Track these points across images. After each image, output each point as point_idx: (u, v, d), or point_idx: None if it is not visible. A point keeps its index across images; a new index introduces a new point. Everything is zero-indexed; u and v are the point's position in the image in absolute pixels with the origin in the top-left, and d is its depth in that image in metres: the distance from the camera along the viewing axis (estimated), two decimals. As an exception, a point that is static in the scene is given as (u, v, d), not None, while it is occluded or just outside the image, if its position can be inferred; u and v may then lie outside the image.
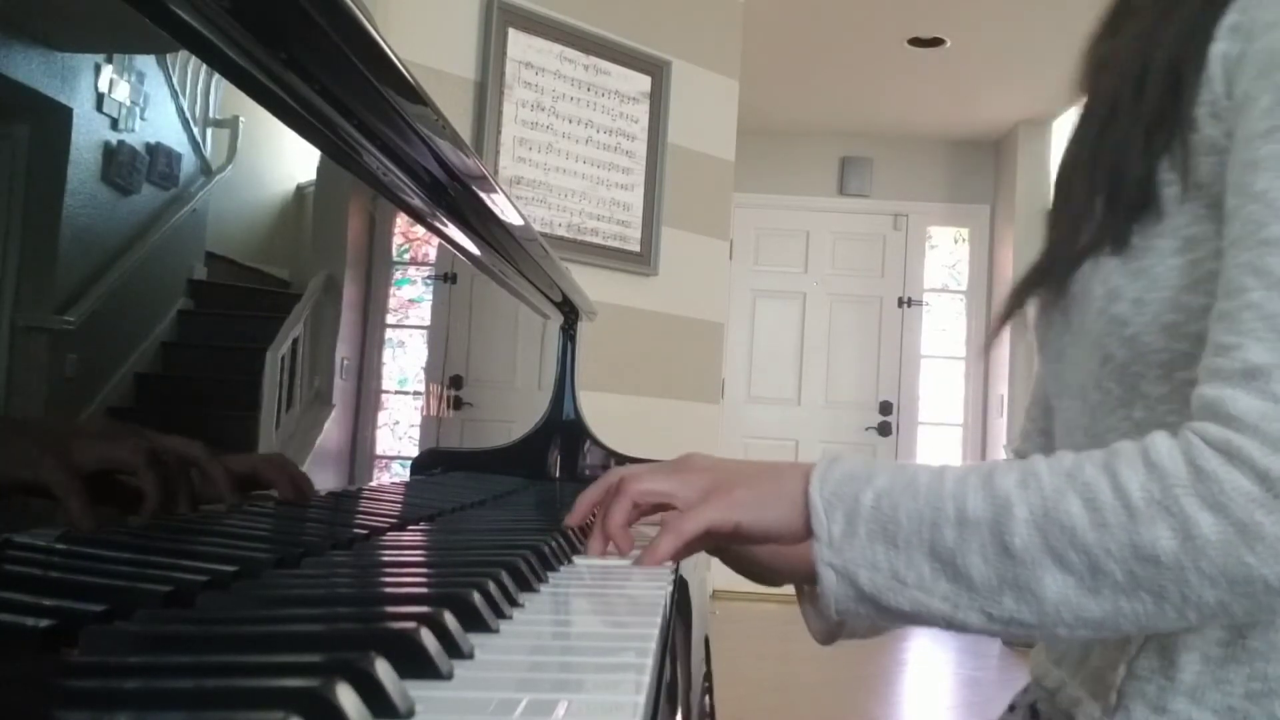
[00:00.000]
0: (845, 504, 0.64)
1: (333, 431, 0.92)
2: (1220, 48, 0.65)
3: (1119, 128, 0.70)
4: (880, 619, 0.65)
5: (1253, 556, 0.55)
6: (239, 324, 0.80)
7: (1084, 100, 0.82)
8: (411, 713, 0.33)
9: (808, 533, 0.66)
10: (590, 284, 2.05)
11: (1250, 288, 0.59)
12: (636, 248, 3.66)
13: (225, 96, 0.69)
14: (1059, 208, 0.79)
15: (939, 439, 6.18)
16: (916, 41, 4.87)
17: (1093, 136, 0.74)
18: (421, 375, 1.14)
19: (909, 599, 0.63)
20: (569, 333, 1.72)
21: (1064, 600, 0.59)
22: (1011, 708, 0.85)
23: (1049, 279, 0.76)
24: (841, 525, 0.64)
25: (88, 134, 0.56)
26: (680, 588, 0.69)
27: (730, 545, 0.77)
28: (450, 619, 0.42)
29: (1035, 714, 0.81)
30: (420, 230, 1.10)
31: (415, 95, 0.81)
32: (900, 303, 6.20)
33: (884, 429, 6.13)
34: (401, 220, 1.05)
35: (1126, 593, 0.58)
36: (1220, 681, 0.65)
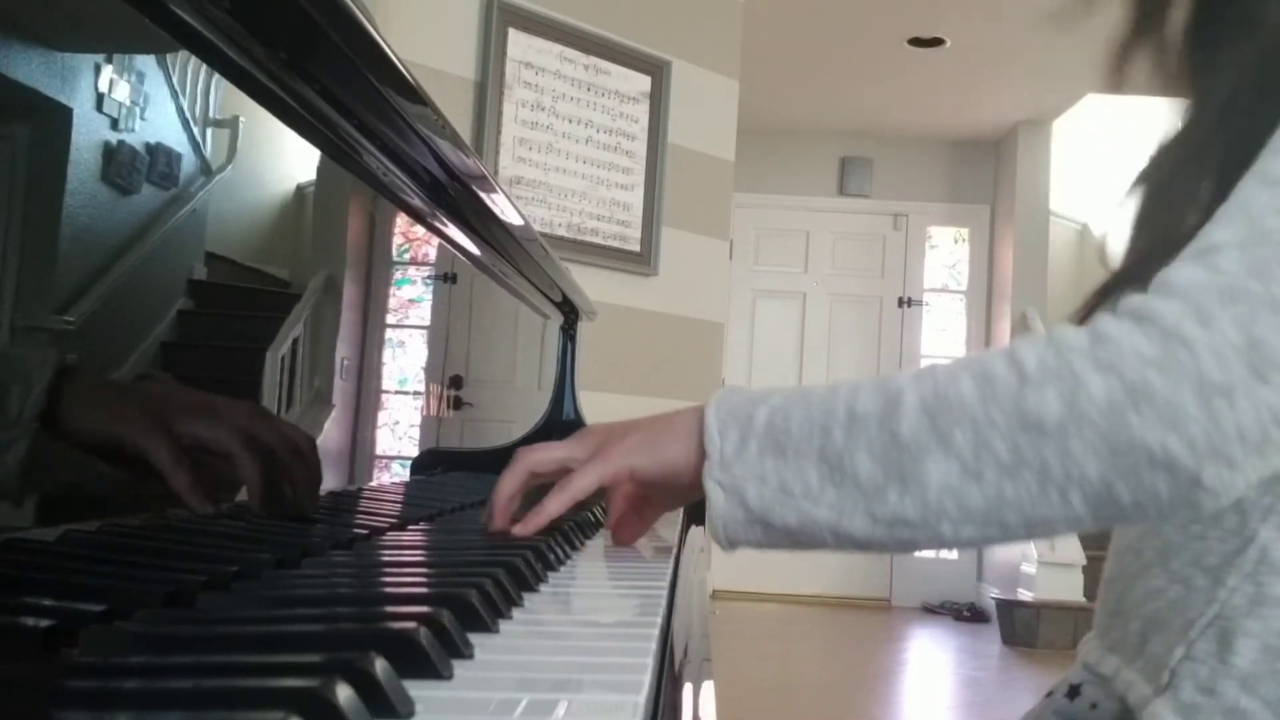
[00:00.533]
0: (739, 421, 0.64)
1: (333, 431, 0.92)
2: None
3: (1182, 172, 0.70)
4: (768, 544, 0.64)
5: (1137, 417, 0.54)
6: (239, 324, 0.80)
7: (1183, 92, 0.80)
8: (411, 713, 0.33)
9: (700, 460, 0.65)
10: (590, 284, 2.05)
11: (1246, 188, 0.59)
12: (636, 248, 3.66)
13: (225, 96, 0.69)
14: (1158, 197, 0.77)
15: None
16: (916, 41, 4.87)
17: (1206, 130, 0.72)
18: (421, 375, 1.14)
19: (795, 510, 0.61)
20: (569, 333, 1.72)
21: (946, 487, 0.58)
22: (1050, 693, 0.85)
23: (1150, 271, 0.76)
24: (735, 442, 0.63)
25: (88, 134, 0.56)
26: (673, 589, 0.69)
27: (641, 498, 0.77)
28: (450, 619, 0.42)
29: (1076, 693, 0.81)
30: (420, 230, 1.10)
31: (415, 95, 0.81)
32: (900, 303, 6.21)
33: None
34: (401, 220, 1.05)
35: (1010, 473, 0.56)
36: (1276, 673, 0.64)
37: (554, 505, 0.70)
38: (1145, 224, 0.78)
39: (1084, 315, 0.81)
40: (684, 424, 0.67)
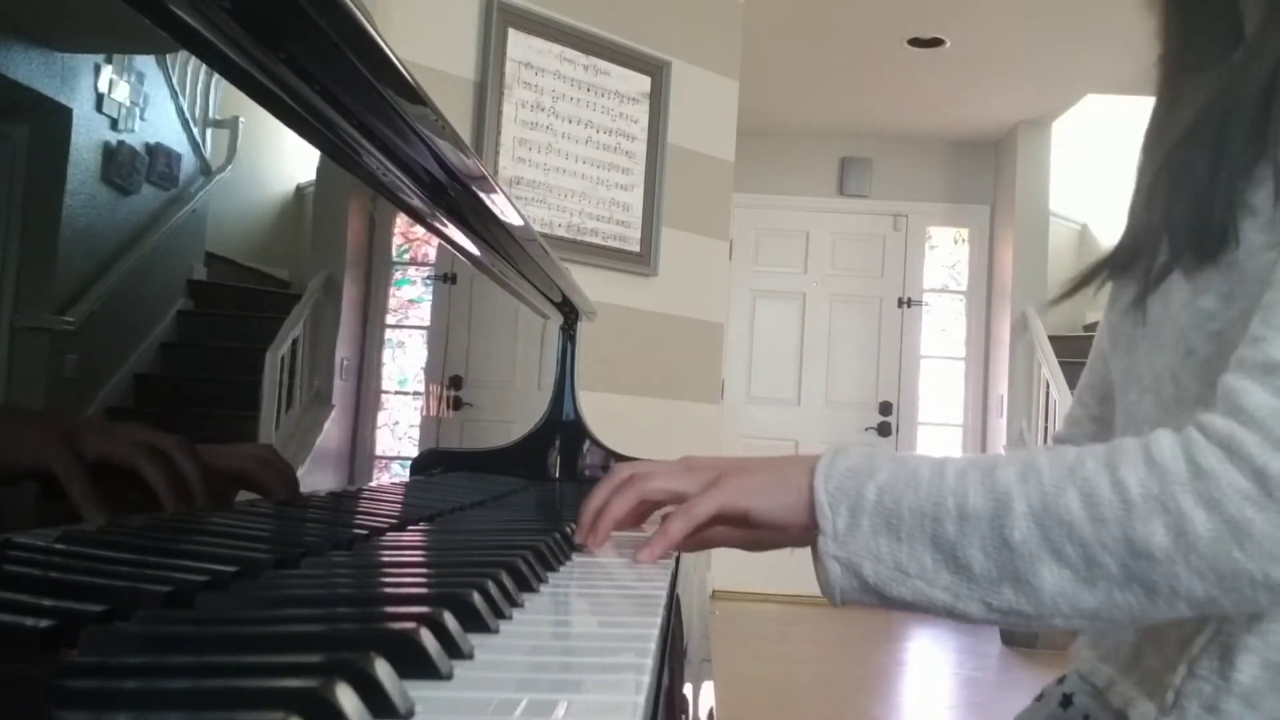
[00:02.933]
0: (849, 498, 0.66)
1: (332, 432, 0.92)
2: None
3: (1198, 161, 0.69)
4: (883, 607, 0.67)
5: (1241, 553, 0.56)
6: (239, 324, 0.80)
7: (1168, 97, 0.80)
8: (411, 713, 0.33)
9: (813, 523, 0.67)
10: (590, 284, 2.05)
11: None
12: (636, 248, 3.66)
13: (225, 96, 0.69)
14: (1142, 211, 0.78)
15: (939, 439, 6.18)
16: (916, 41, 4.87)
17: (1182, 150, 0.72)
18: (421, 375, 1.14)
19: (911, 589, 0.64)
20: (569, 333, 1.72)
21: (1060, 592, 0.61)
22: (1040, 696, 0.85)
23: (1128, 275, 0.76)
24: (846, 519, 0.66)
25: (88, 134, 0.56)
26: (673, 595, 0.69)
27: (731, 535, 0.78)
28: (450, 619, 0.42)
29: (1068, 703, 0.81)
30: (420, 230, 1.10)
31: (415, 95, 0.81)
32: (900, 303, 6.20)
33: (884, 429, 6.13)
34: (401, 220, 1.05)
35: (1120, 585, 0.59)
36: (1278, 689, 0.65)
37: (678, 531, 0.71)
38: (1144, 207, 0.78)
39: (1074, 287, 0.81)
40: (794, 481, 0.69)
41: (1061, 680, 0.85)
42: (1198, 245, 0.68)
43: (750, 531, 0.74)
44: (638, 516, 0.78)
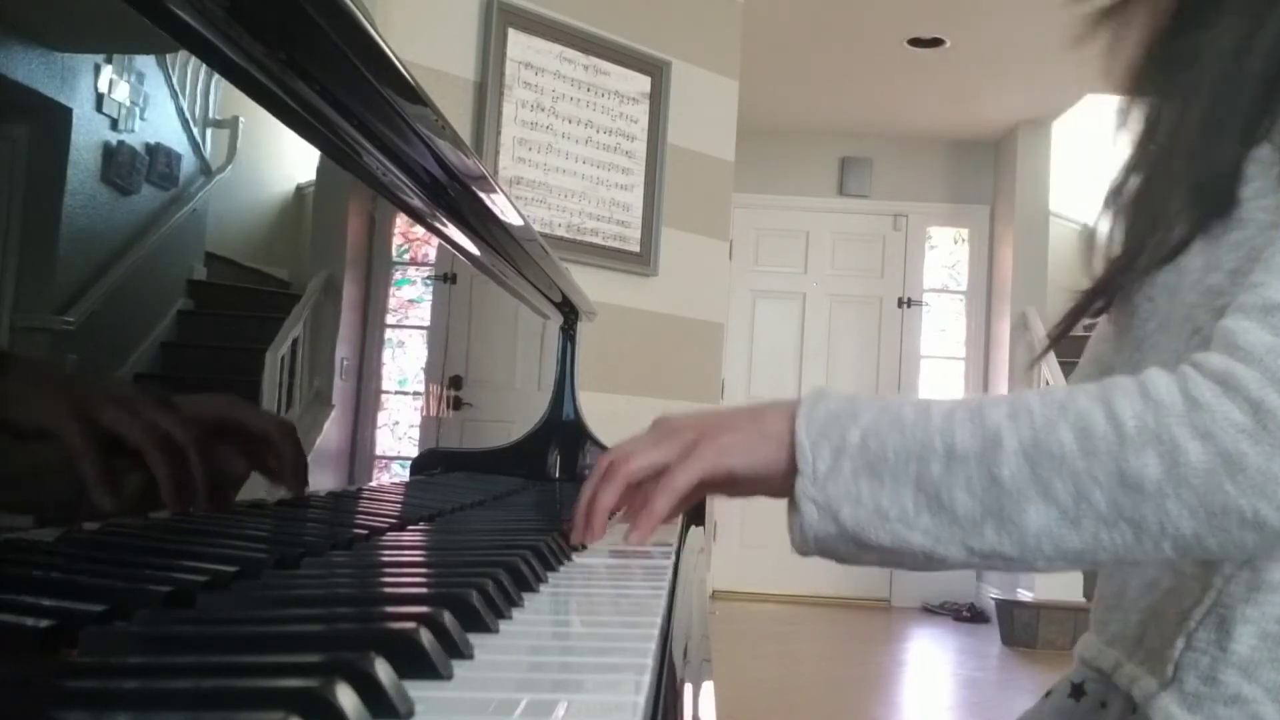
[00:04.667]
0: (831, 441, 0.65)
1: (332, 432, 0.92)
2: None
3: (1213, 120, 0.70)
4: (858, 555, 0.66)
5: (1233, 486, 0.56)
6: (239, 324, 0.80)
7: (1149, 96, 0.80)
8: (411, 713, 0.33)
9: (795, 471, 0.66)
10: (590, 284, 2.05)
11: None
12: (636, 248, 3.66)
13: (225, 97, 0.69)
14: (1139, 203, 0.78)
15: (939, 439, 6.17)
16: (916, 41, 4.87)
17: (1182, 129, 0.73)
18: (421, 375, 1.14)
19: (890, 533, 0.63)
20: (569, 333, 1.72)
21: (1045, 531, 0.60)
22: (1048, 694, 0.85)
23: (1131, 274, 0.76)
24: (827, 461, 0.64)
25: (88, 134, 0.56)
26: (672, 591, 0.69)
27: (721, 492, 0.76)
28: (450, 619, 0.42)
29: (1080, 692, 0.80)
30: (420, 230, 1.10)
31: (415, 95, 0.81)
32: (900, 303, 6.21)
33: (884, 429, 6.12)
34: (401, 220, 1.05)
35: (1107, 523, 0.59)
36: (1275, 659, 0.65)
37: (662, 505, 0.70)
38: (1126, 229, 0.79)
39: (1071, 320, 0.81)
40: (774, 429, 0.68)
41: (1068, 675, 0.84)
42: (1211, 200, 0.68)
43: (733, 487, 0.72)
44: (631, 499, 0.76)
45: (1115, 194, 0.81)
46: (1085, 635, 0.82)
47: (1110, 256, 0.79)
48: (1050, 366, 5.24)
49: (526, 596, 0.57)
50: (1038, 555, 0.61)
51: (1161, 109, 0.79)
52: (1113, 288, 0.79)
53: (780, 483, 0.68)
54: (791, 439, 0.66)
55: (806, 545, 0.66)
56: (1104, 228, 0.81)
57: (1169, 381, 0.59)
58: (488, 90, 3.29)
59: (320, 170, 0.85)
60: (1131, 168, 0.80)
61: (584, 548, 0.77)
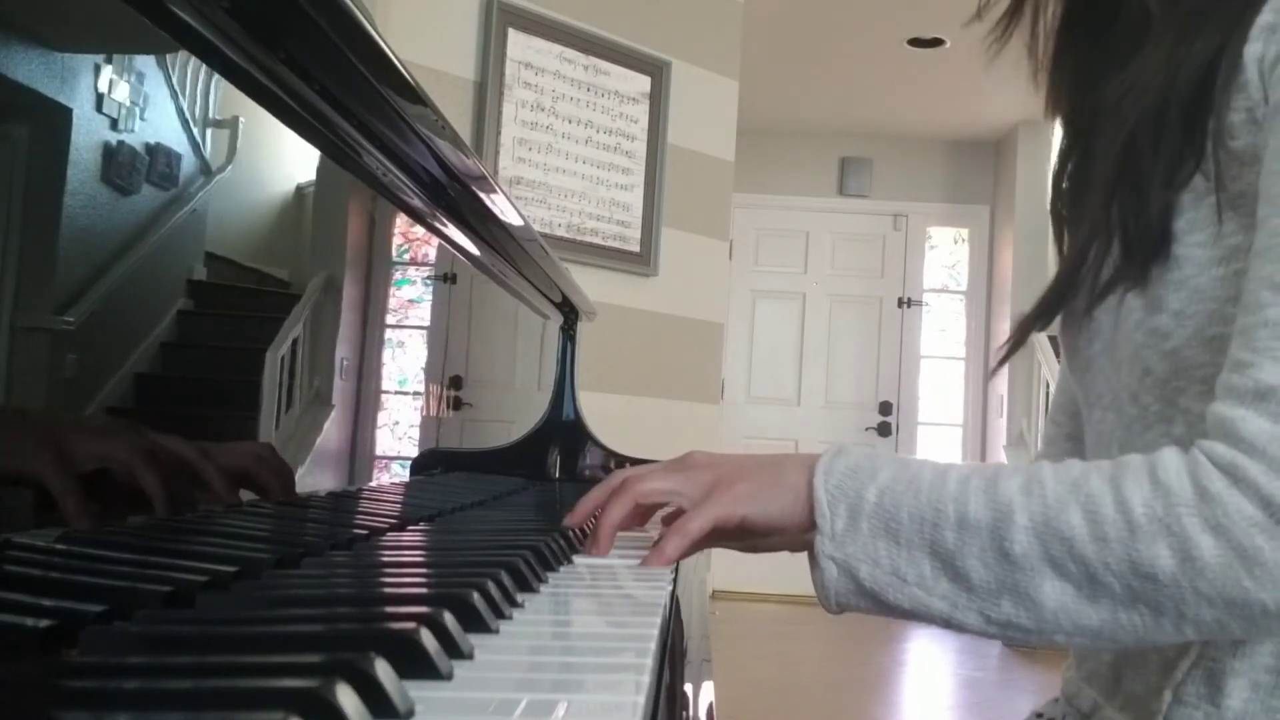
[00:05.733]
0: (849, 499, 0.64)
1: (332, 432, 0.92)
2: (1255, 49, 0.62)
3: (1141, 157, 0.68)
4: (879, 613, 0.65)
5: (1251, 581, 0.55)
6: (239, 324, 0.80)
7: (1074, 130, 0.80)
8: (411, 713, 0.33)
9: (811, 524, 0.66)
10: (590, 284, 2.05)
11: (1267, 303, 0.58)
12: (636, 248, 3.66)
13: (225, 96, 0.69)
14: (1073, 234, 0.77)
15: (939, 439, 6.18)
16: (916, 41, 4.88)
17: (1111, 165, 0.71)
18: (421, 375, 1.14)
19: (908, 596, 0.63)
20: (569, 333, 1.72)
21: (1062, 608, 0.59)
22: (1038, 715, 0.84)
23: (1068, 301, 0.75)
24: (844, 520, 0.64)
25: (88, 134, 0.56)
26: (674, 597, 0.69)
27: (733, 539, 0.75)
28: (450, 619, 0.42)
29: None
30: (420, 230, 1.10)
31: (415, 95, 0.81)
32: (900, 303, 6.21)
33: (884, 429, 6.13)
34: (401, 220, 1.05)
35: (1124, 605, 0.58)
36: (1269, 710, 0.64)
37: (674, 547, 0.69)
38: (1062, 248, 0.79)
39: (1024, 336, 0.81)
40: (792, 481, 0.67)
41: (1056, 701, 0.83)
42: (1141, 247, 0.67)
43: (747, 536, 0.72)
44: (638, 518, 0.77)
45: (1053, 210, 0.81)
46: (1069, 664, 0.81)
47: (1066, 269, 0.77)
48: (1050, 368, 5.24)
49: (526, 596, 0.57)
50: (1056, 629, 0.60)
51: (1086, 139, 0.77)
52: (1051, 313, 0.78)
53: (794, 537, 0.69)
54: (809, 493, 0.66)
55: (829, 603, 0.66)
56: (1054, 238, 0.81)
57: (1179, 467, 0.58)
58: (488, 90, 3.29)
59: (320, 170, 0.85)
60: (1062, 189, 0.80)
61: (582, 549, 0.77)
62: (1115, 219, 0.69)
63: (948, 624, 0.63)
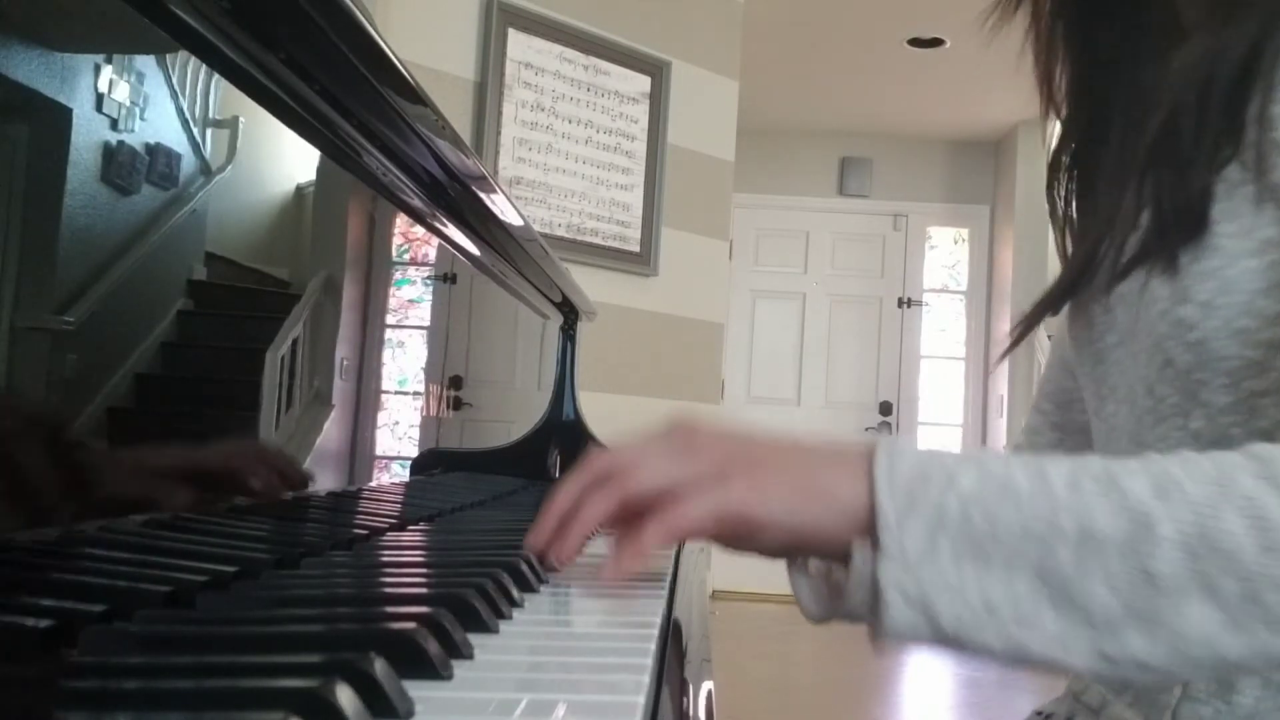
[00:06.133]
0: (925, 510, 0.52)
1: (332, 432, 0.92)
2: None
3: (1182, 137, 0.65)
4: (946, 650, 0.53)
5: None
6: (239, 324, 0.80)
7: (1083, 115, 0.78)
8: (411, 713, 0.33)
9: (862, 536, 0.53)
10: (590, 284, 2.05)
11: None
12: (636, 248, 3.66)
13: (225, 96, 0.69)
14: (1085, 217, 0.76)
15: (939, 439, 6.18)
16: (916, 42, 4.88)
17: (1146, 145, 0.67)
18: (421, 375, 1.14)
19: (1001, 634, 0.51)
20: (569, 333, 1.72)
21: (1204, 638, 0.49)
22: (1045, 715, 0.83)
23: (1083, 285, 0.72)
24: (920, 537, 0.51)
25: (87, 134, 0.56)
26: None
27: (730, 542, 0.59)
28: (450, 619, 0.42)
29: None
30: (420, 230, 1.10)
31: (415, 95, 0.81)
32: (900, 303, 6.21)
33: (884, 429, 6.13)
34: (401, 220, 1.05)
35: (1276, 630, 0.49)
36: None
37: (655, 538, 0.55)
38: (1075, 235, 0.77)
39: (1036, 320, 0.79)
40: (832, 484, 0.55)
41: (1061, 698, 0.82)
42: (1177, 226, 0.63)
43: (745, 540, 0.58)
44: (618, 524, 0.60)
45: (1065, 196, 0.78)
46: None
47: (1062, 263, 0.76)
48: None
49: (526, 596, 0.57)
50: (1188, 665, 0.50)
51: (1108, 123, 0.75)
52: (1064, 298, 0.75)
53: (833, 549, 0.55)
54: (870, 501, 0.53)
55: (885, 639, 0.53)
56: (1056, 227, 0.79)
57: None
58: (488, 90, 3.29)
59: (320, 170, 0.85)
60: (1075, 176, 0.78)
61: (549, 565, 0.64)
62: (1147, 197, 0.66)
63: (1050, 666, 0.52)
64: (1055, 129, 0.81)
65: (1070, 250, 0.77)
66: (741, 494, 0.55)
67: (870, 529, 0.53)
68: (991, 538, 0.51)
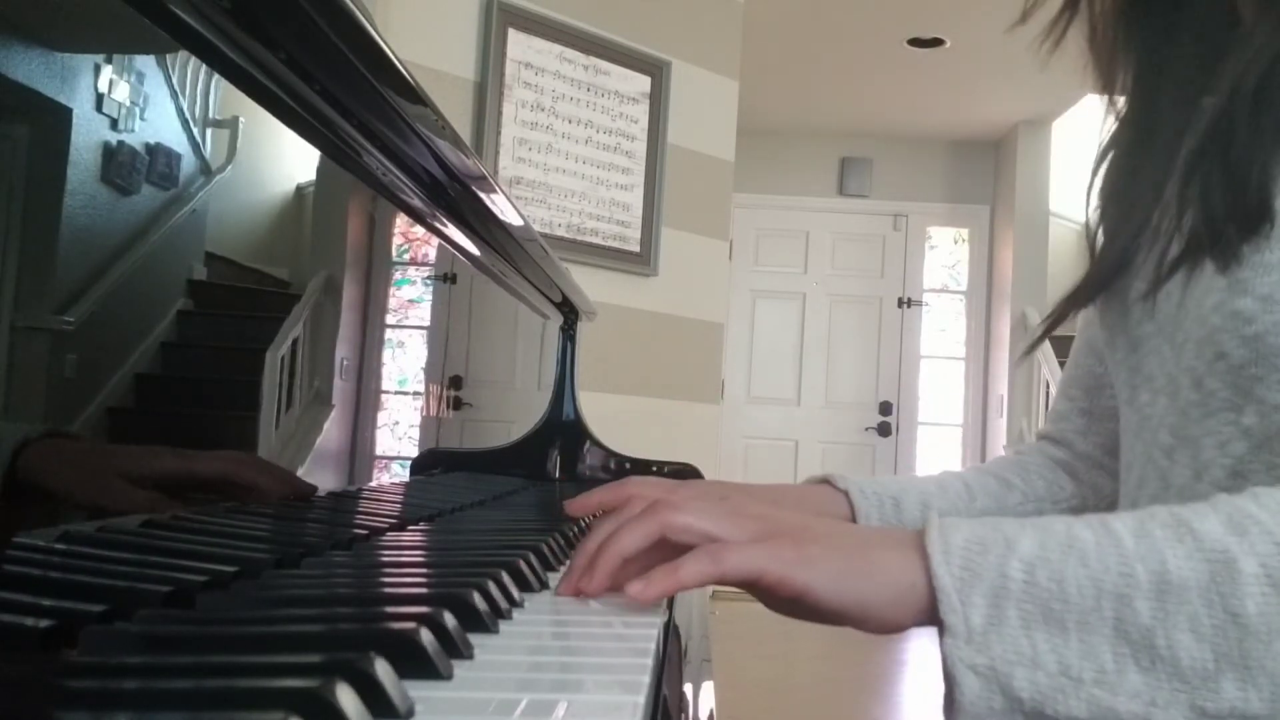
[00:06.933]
0: (986, 580, 0.49)
1: (332, 432, 0.92)
2: None
3: (1236, 131, 0.63)
4: None
5: None
6: (239, 324, 0.80)
7: (1137, 109, 0.77)
8: (411, 713, 0.33)
9: (922, 621, 0.52)
10: (590, 284, 2.05)
11: None
12: (636, 248, 3.66)
13: (225, 96, 0.69)
14: (1125, 211, 0.74)
15: (939, 439, 6.18)
16: (916, 41, 4.88)
17: (1198, 140, 0.65)
18: (421, 375, 1.14)
19: (1087, 701, 0.48)
20: (569, 333, 1.72)
21: None
22: None
23: (1117, 279, 0.71)
24: (984, 611, 0.49)
25: (88, 134, 0.56)
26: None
27: (767, 600, 0.57)
28: (450, 619, 0.42)
29: None
30: (420, 230, 1.10)
31: (415, 95, 0.81)
32: (900, 303, 6.21)
33: (884, 429, 6.13)
34: (401, 220, 1.05)
35: None
36: None
37: (693, 577, 0.53)
38: (1111, 227, 0.76)
39: (1062, 314, 0.78)
40: (886, 562, 0.52)
41: None
42: (1237, 223, 0.61)
43: (798, 612, 0.56)
44: (652, 555, 0.58)
45: (1103, 189, 0.77)
46: None
47: (1097, 251, 0.75)
48: (1050, 368, 5.24)
49: (526, 596, 0.57)
50: None
51: (1157, 119, 0.74)
52: (1096, 293, 0.74)
53: (886, 627, 0.54)
54: (927, 580, 0.50)
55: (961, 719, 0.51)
56: (1092, 221, 0.78)
57: None
58: (488, 90, 3.29)
59: (320, 170, 0.85)
60: (1118, 162, 0.77)
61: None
62: (1193, 195, 0.64)
63: None
64: (1108, 123, 0.79)
65: (1102, 243, 0.76)
66: (789, 559, 0.53)
67: (932, 608, 0.50)
68: (1061, 599, 0.48)
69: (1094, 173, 0.79)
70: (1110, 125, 0.79)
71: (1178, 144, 0.69)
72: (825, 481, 0.83)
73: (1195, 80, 0.70)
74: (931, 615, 0.50)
